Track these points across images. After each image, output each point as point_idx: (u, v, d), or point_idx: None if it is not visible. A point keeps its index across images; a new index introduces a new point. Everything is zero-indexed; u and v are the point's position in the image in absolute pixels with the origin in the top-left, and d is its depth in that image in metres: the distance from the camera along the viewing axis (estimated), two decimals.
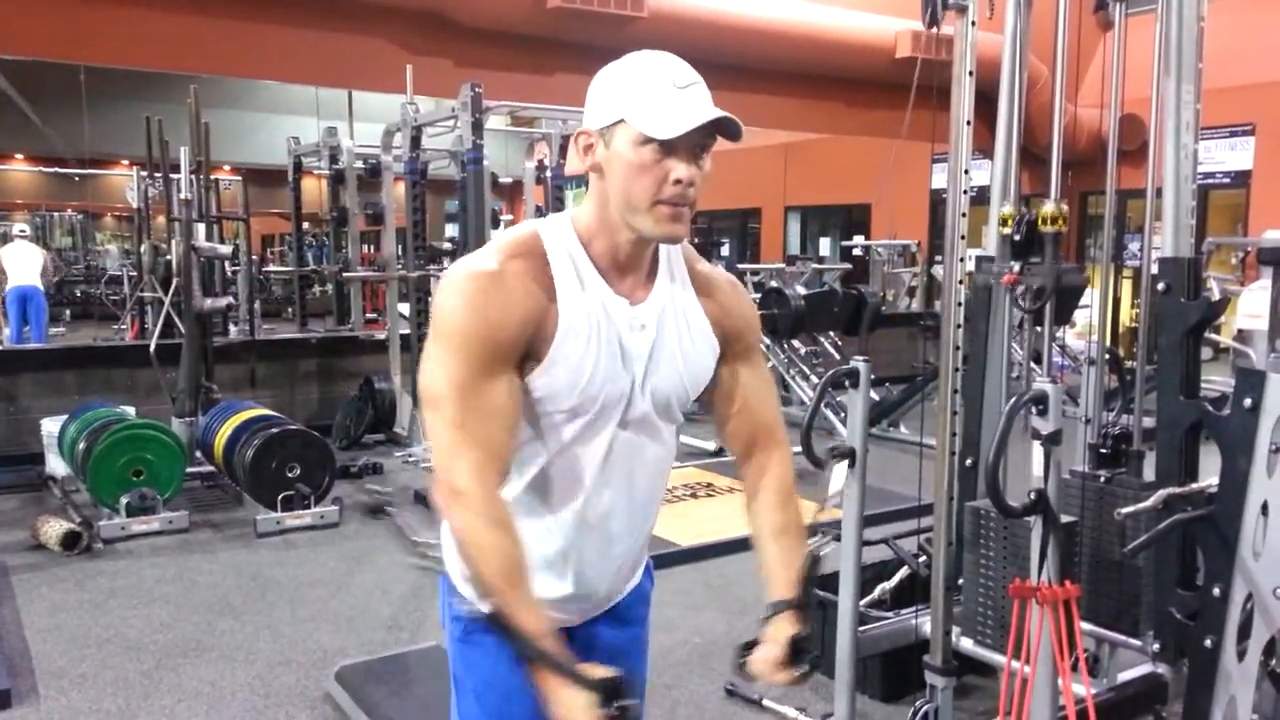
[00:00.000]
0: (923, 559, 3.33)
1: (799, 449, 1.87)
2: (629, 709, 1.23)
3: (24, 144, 16.15)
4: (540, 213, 7.65)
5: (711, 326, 1.46)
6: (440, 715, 1.62)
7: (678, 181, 1.29)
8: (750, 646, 1.41)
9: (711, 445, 6.70)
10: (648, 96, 1.29)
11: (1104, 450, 2.90)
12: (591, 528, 1.44)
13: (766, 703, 3.10)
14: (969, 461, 2.92)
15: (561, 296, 1.34)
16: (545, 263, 1.35)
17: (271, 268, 14.84)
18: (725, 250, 16.68)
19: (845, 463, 1.66)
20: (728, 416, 1.53)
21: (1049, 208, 2.78)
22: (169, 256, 6.76)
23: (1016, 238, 2.84)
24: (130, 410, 5.70)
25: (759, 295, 10.57)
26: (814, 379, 7.92)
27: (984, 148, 3.04)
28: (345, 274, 8.19)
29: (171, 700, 3.18)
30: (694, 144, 1.29)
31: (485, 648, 1.48)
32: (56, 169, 16.39)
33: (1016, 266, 2.85)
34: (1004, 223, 2.88)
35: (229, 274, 9.96)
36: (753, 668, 1.41)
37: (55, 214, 18.61)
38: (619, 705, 1.22)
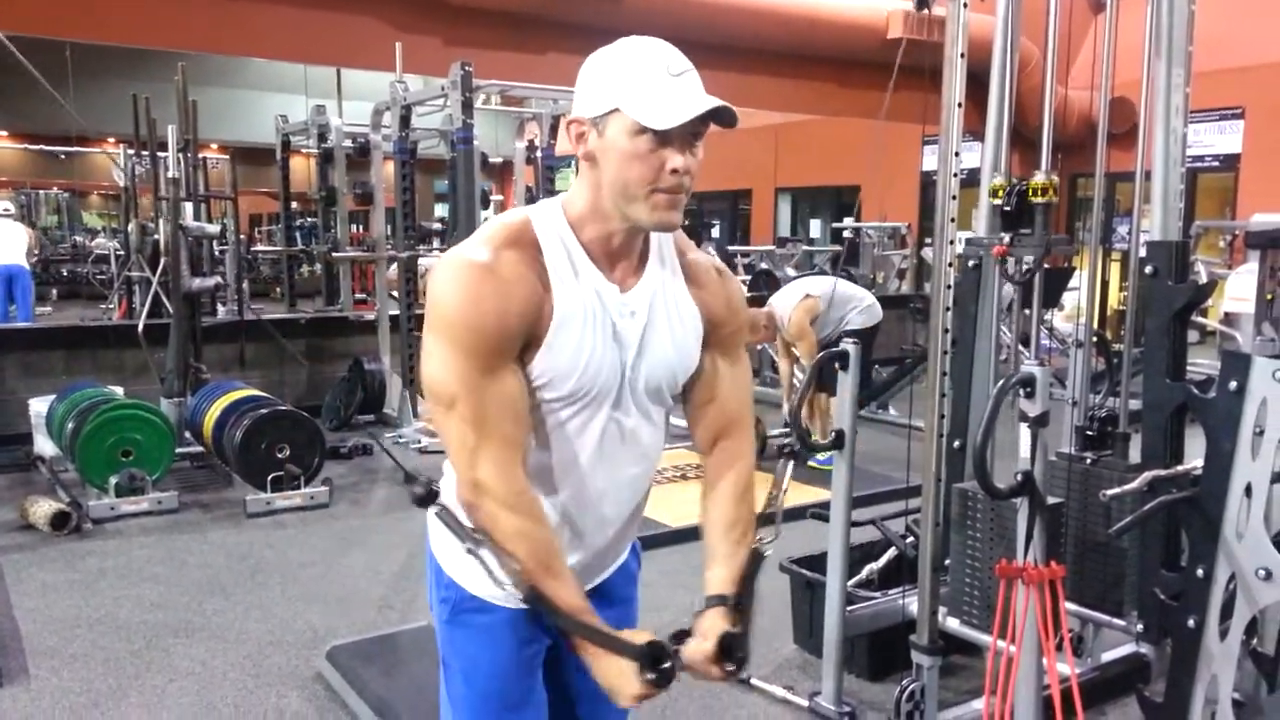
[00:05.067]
0: (910, 540, 3.36)
1: (776, 431, 1.88)
2: (670, 670, 1.29)
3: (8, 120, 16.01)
4: (530, 193, 7.63)
5: (698, 312, 1.47)
6: (431, 694, 1.63)
7: (674, 171, 1.30)
8: (682, 636, 1.38)
9: None
10: (642, 85, 1.28)
11: (1090, 432, 2.92)
12: (584, 510, 1.45)
13: (755, 682, 3.12)
14: (957, 443, 2.94)
15: (555, 284, 1.34)
16: (538, 251, 1.35)
17: (260, 247, 14.73)
18: (716, 232, 16.65)
19: (792, 462, 1.69)
20: (700, 403, 1.53)
21: (1039, 178, 2.78)
22: (156, 236, 6.72)
23: (1007, 208, 2.84)
24: (118, 390, 5.67)
25: (750, 277, 10.59)
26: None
27: (974, 130, 3.04)
28: (334, 254, 8.16)
29: (162, 680, 3.18)
30: (688, 132, 1.29)
31: (472, 629, 1.49)
32: (41, 146, 16.23)
33: (1007, 238, 2.86)
34: (994, 193, 2.88)
35: (217, 253, 9.92)
36: (683, 658, 1.38)
37: (40, 192, 18.44)
38: (661, 668, 1.28)
